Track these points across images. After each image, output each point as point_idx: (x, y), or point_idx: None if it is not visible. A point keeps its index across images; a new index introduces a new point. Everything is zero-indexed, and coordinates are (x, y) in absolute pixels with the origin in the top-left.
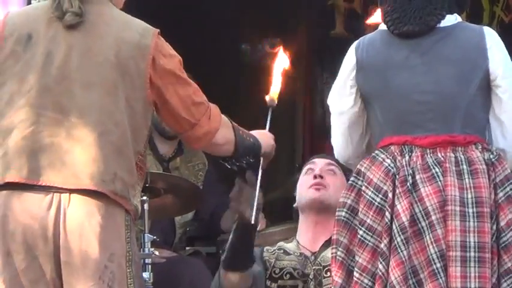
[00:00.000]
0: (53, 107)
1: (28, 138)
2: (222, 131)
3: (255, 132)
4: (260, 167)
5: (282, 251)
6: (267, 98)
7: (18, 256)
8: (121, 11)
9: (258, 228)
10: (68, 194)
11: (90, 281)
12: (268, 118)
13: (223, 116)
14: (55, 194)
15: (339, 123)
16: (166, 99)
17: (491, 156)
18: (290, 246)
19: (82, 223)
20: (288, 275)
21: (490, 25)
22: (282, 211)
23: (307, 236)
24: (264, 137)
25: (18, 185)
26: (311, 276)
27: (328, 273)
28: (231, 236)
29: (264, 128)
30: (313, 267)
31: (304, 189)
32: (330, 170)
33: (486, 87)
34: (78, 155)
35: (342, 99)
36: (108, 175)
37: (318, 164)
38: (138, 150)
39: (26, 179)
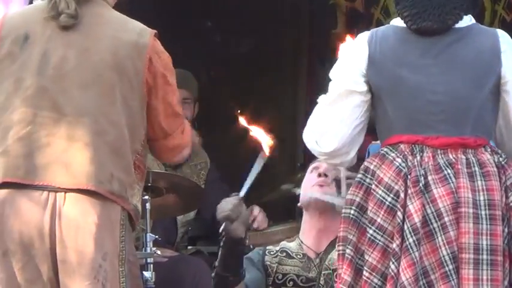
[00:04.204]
0: (49, 106)
1: (25, 138)
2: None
3: None
4: None
5: (284, 254)
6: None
7: (14, 255)
8: (117, 12)
9: (260, 228)
10: (63, 193)
11: (85, 280)
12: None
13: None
14: (50, 192)
15: (341, 104)
16: (153, 102)
17: (500, 159)
18: (293, 246)
19: (77, 222)
20: (291, 282)
21: (491, 24)
22: (284, 210)
23: (311, 236)
24: None
25: (16, 185)
26: (322, 282)
27: None
28: (220, 253)
29: None
30: (323, 272)
31: (308, 187)
32: (336, 169)
33: (497, 91)
34: (75, 155)
35: (351, 81)
36: (104, 176)
37: (324, 163)
38: (135, 149)
39: (23, 179)
